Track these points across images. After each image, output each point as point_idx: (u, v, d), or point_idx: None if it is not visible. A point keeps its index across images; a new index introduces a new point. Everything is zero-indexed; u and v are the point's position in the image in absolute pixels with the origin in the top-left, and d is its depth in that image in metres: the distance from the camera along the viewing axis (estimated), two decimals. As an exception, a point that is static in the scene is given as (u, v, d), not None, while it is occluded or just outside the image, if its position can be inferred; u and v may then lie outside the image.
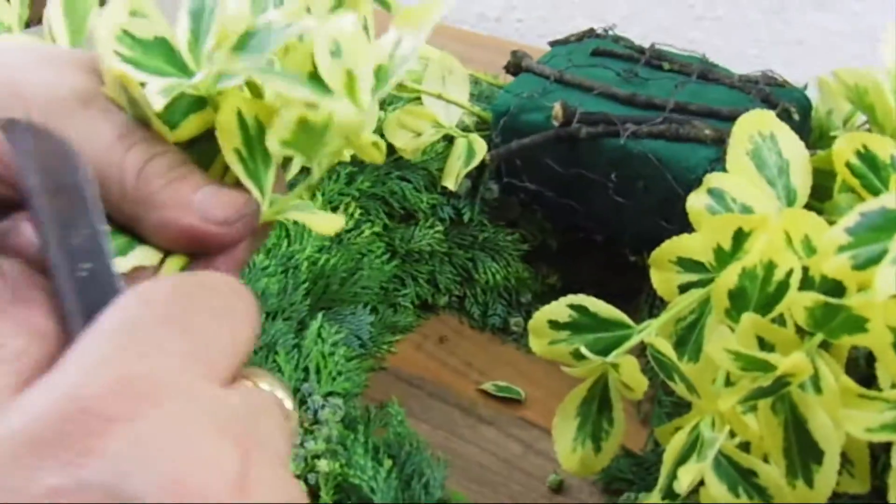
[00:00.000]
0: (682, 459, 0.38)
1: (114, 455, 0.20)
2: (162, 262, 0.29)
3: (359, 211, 0.61)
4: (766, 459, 0.39)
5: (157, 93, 0.27)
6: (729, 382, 0.39)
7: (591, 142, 0.56)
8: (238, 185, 0.30)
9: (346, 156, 0.49)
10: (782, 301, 0.38)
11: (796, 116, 0.55)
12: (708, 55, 0.64)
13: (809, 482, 0.38)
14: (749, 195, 0.43)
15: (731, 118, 0.46)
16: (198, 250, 0.29)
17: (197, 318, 0.24)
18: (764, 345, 0.38)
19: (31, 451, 0.20)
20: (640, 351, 0.43)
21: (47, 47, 0.35)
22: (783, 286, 0.38)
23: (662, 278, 0.44)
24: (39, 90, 0.28)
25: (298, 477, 0.45)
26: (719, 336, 0.38)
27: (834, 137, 0.45)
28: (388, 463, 0.47)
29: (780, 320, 0.39)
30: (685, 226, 0.43)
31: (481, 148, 0.61)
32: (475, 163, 0.61)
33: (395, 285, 0.64)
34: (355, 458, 0.47)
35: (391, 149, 0.62)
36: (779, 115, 0.46)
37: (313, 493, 0.46)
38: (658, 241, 0.43)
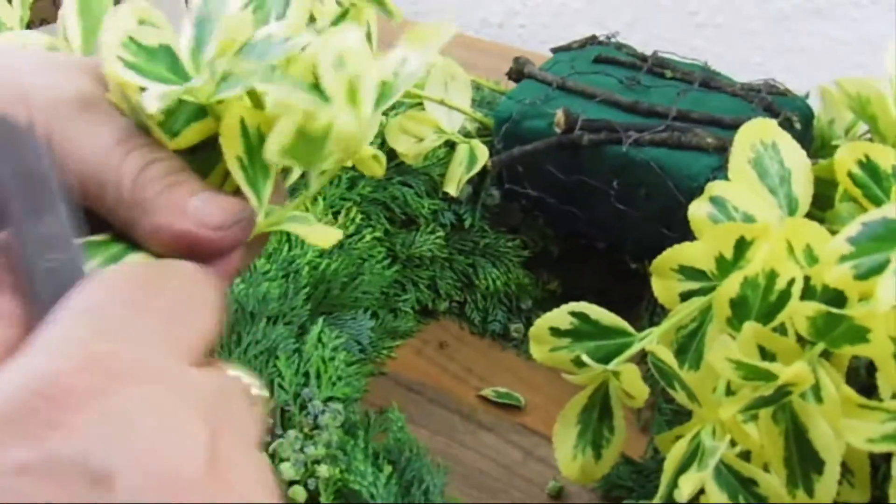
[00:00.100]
0: (683, 468, 0.38)
1: (83, 430, 0.20)
2: None
3: (360, 216, 0.61)
4: (766, 469, 0.39)
5: (154, 98, 0.27)
6: (730, 391, 0.39)
7: (593, 149, 0.56)
8: (235, 192, 0.30)
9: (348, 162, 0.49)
10: (784, 310, 0.38)
11: (798, 125, 0.55)
12: (710, 63, 0.64)
13: (810, 492, 0.38)
14: (751, 204, 0.43)
15: (734, 126, 0.46)
16: (192, 256, 0.29)
17: (162, 301, 0.24)
18: (765, 354, 0.38)
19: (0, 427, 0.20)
20: (641, 359, 0.43)
21: (52, 52, 0.35)
22: (785, 295, 0.38)
23: (664, 286, 0.44)
24: (43, 92, 0.28)
25: (298, 482, 0.45)
26: (720, 345, 0.38)
27: (836, 147, 0.45)
28: (387, 469, 0.47)
29: (782, 329, 0.39)
30: (687, 234, 0.43)
31: (483, 154, 0.61)
32: (477, 169, 0.61)
33: (396, 290, 0.64)
34: (355, 463, 0.47)
35: (392, 154, 0.62)
36: (781, 124, 0.46)
37: (313, 498, 0.45)
38: (659, 249, 0.43)
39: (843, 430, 0.37)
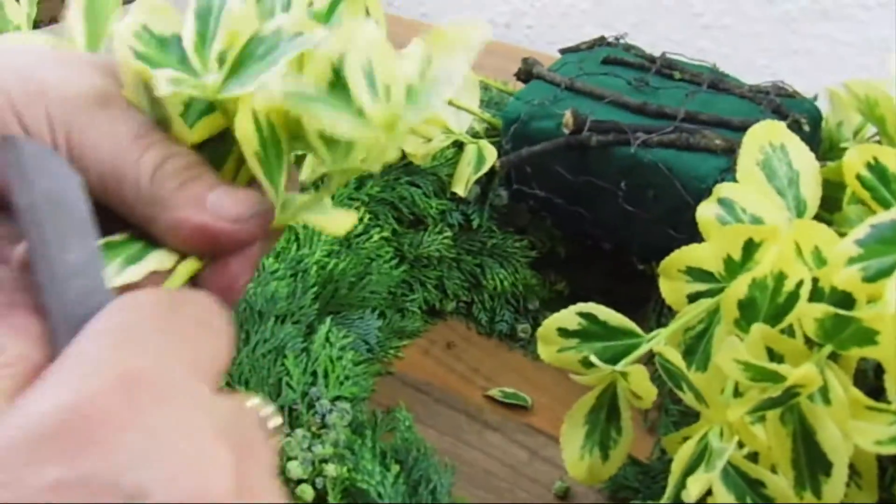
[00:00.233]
0: (691, 469, 0.38)
1: (116, 449, 0.20)
2: (176, 266, 0.29)
3: (368, 216, 0.61)
4: (774, 470, 0.39)
5: (164, 81, 0.27)
6: (737, 393, 0.39)
7: (601, 150, 0.56)
8: (249, 185, 0.30)
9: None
10: (792, 312, 0.38)
11: (807, 127, 0.56)
12: (716, 64, 0.64)
13: (817, 493, 0.38)
14: (759, 206, 0.43)
15: (742, 128, 0.46)
16: (212, 250, 0.29)
17: (184, 325, 0.25)
18: (773, 355, 0.38)
19: (35, 447, 0.20)
20: (649, 360, 0.43)
21: (66, 50, 0.35)
22: (793, 297, 0.38)
23: (671, 287, 0.44)
24: (60, 88, 0.28)
25: (306, 481, 0.45)
26: (728, 346, 0.38)
27: (844, 149, 0.46)
28: (395, 468, 0.47)
29: (790, 331, 0.39)
30: (694, 235, 0.43)
31: (491, 154, 0.61)
32: (485, 169, 0.61)
33: (404, 290, 0.64)
34: (363, 462, 0.47)
35: (401, 154, 0.62)
36: (789, 126, 0.46)
37: (321, 497, 0.46)
38: (667, 251, 0.43)
39: (851, 431, 0.37)
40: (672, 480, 0.39)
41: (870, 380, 0.41)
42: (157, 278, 0.29)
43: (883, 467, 0.40)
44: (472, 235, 0.65)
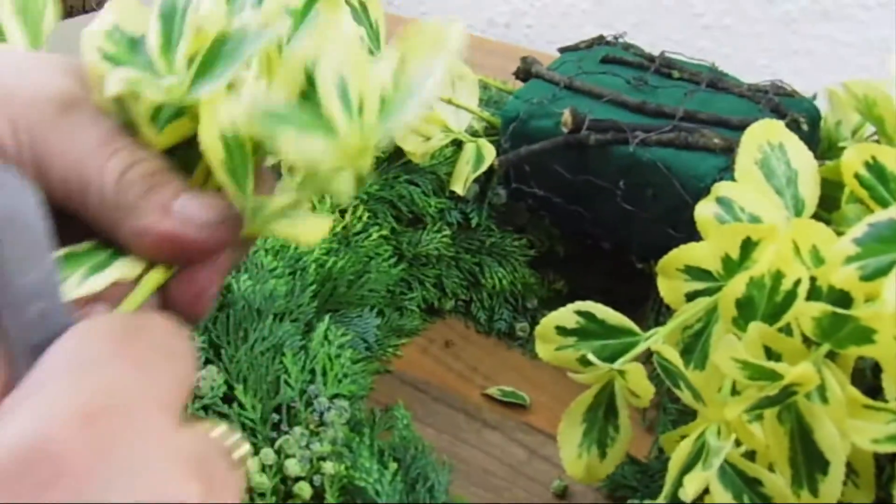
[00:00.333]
0: (688, 467, 0.38)
1: (77, 486, 0.20)
2: (142, 275, 0.28)
3: (367, 214, 0.61)
4: (771, 468, 0.39)
5: (116, 81, 0.26)
6: (735, 391, 0.39)
7: (599, 149, 0.57)
8: (220, 191, 0.29)
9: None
10: (790, 311, 0.38)
11: (805, 126, 0.56)
12: (716, 64, 0.64)
13: (814, 492, 0.38)
14: (757, 205, 0.43)
15: (741, 127, 0.46)
16: (178, 258, 0.28)
17: (143, 353, 0.24)
18: (771, 354, 0.38)
19: None
20: (647, 358, 0.43)
21: (34, 52, 0.34)
22: (791, 296, 0.38)
23: (670, 286, 0.44)
24: (26, 93, 0.27)
25: (304, 479, 0.45)
26: (726, 345, 0.38)
27: (843, 148, 0.46)
28: (393, 466, 0.47)
29: (788, 330, 0.39)
30: (693, 234, 0.43)
31: (490, 153, 0.61)
32: (484, 168, 0.61)
33: (402, 289, 0.64)
34: (361, 460, 0.47)
35: (400, 152, 0.62)
36: (788, 125, 0.46)
37: (318, 494, 0.46)
38: (665, 249, 0.43)
39: (849, 430, 0.37)
40: (669, 479, 0.39)
41: (867, 378, 0.41)
42: (122, 289, 0.28)
43: (880, 466, 0.40)
44: (470, 234, 0.65)
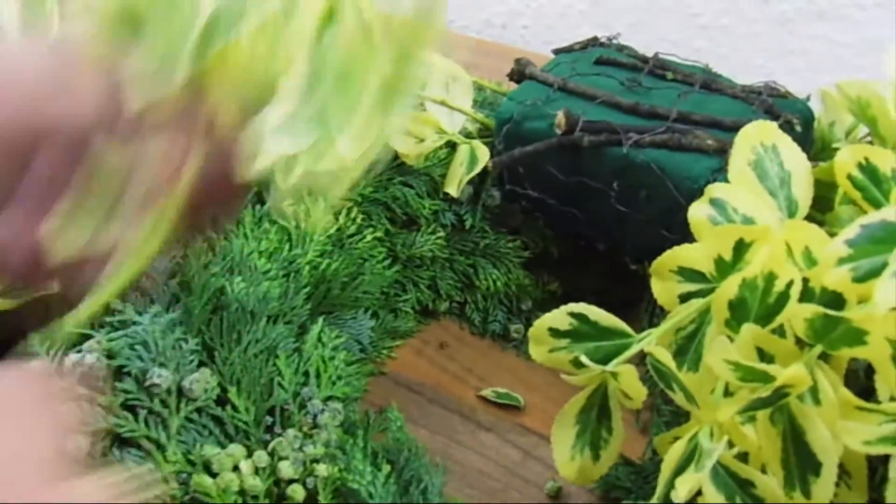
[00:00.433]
0: (681, 469, 0.38)
1: None
2: None
3: (361, 216, 0.61)
4: (764, 470, 0.39)
5: None
6: (728, 393, 0.39)
7: (593, 150, 0.56)
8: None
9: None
10: (782, 312, 0.38)
11: (799, 128, 0.56)
12: (713, 65, 0.64)
13: (807, 493, 0.38)
14: (750, 206, 0.43)
15: (734, 129, 0.46)
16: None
17: (9, 410, 0.23)
18: (763, 356, 0.38)
19: None
20: (640, 360, 0.43)
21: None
22: (783, 297, 0.38)
23: (663, 288, 0.44)
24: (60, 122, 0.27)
25: (297, 481, 0.45)
26: (719, 346, 0.38)
27: (836, 149, 0.45)
28: (386, 468, 0.47)
29: (780, 331, 0.39)
30: (686, 235, 0.43)
31: (484, 155, 0.61)
32: (478, 169, 0.61)
33: (396, 290, 0.64)
34: (354, 462, 0.47)
35: (394, 154, 0.62)
36: (781, 127, 0.46)
37: (312, 496, 0.46)
38: (659, 251, 0.43)
39: (841, 432, 0.37)
40: (662, 480, 0.39)
41: (860, 380, 0.41)
42: None
43: (873, 467, 0.40)
44: (464, 236, 0.65)
